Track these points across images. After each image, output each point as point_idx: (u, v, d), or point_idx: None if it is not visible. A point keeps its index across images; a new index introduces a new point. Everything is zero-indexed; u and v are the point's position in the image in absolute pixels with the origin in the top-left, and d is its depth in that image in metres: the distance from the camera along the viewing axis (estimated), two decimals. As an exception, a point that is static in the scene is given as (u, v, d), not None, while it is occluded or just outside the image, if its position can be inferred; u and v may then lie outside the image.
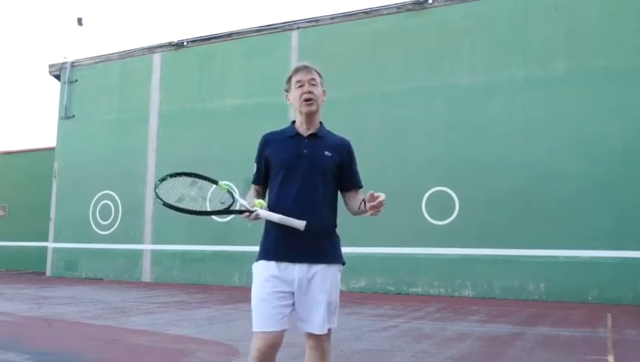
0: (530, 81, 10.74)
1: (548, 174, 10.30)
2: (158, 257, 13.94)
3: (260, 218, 2.50)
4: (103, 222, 14.76)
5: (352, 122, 12.05)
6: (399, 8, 12.08)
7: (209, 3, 41.58)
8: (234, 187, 2.67)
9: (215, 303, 9.35)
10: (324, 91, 2.75)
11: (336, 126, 12.40)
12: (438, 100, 11.44)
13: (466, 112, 11.16)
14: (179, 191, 2.56)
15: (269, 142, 2.73)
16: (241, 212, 2.51)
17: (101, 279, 14.42)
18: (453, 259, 10.81)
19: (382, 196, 2.43)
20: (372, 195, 2.44)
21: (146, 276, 14.00)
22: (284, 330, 2.53)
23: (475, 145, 10.95)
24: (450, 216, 10.97)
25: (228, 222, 12.50)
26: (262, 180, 2.72)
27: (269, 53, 13.06)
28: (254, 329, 2.55)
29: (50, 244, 15.61)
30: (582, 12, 10.58)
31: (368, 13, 12.43)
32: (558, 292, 9.97)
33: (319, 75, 2.73)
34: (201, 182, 2.61)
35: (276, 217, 2.50)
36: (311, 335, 2.58)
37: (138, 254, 14.19)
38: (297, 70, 2.72)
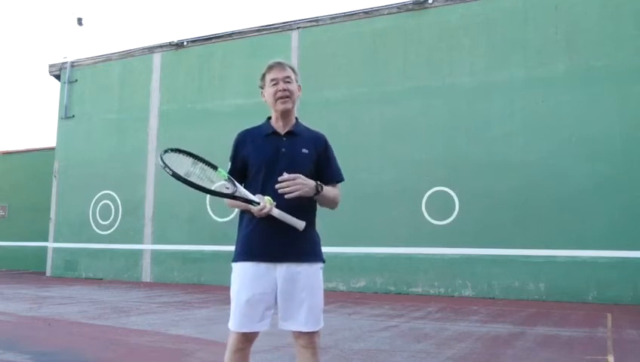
0: (530, 81, 10.74)
1: (548, 174, 10.30)
2: (158, 257, 13.94)
3: (272, 215, 2.49)
4: (103, 222, 14.76)
5: (352, 122, 12.07)
6: (399, 8, 12.09)
7: (209, 3, 41.60)
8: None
9: (215, 303, 9.34)
10: (299, 87, 2.75)
11: (336, 126, 12.44)
12: (438, 100, 11.45)
13: (466, 112, 11.16)
14: (184, 167, 2.52)
15: (246, 140, 2.72)
16: (247, 201, 2.50)
17: (101, 279, 14.42)
18: (453, 259, 10.82)
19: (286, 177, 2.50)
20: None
21: (146, 276, 14.00)
22: (260, 331, 2.62)
23: (475, 145, 10.96)
24: (450, 216, 10.97)
25: (228, 221, 12.50)
26: (238, 179, 2.67)
27: (269, 53, 13.01)
28: (232, 329, 2.60)
29: (50, 244, 15.61)
30: (582, 12, 10.59)
31: (368, 13, 12.43)
32: (558, 292, 9.97)
33: (294, 72, 2.74)
34: (201, 164, 2.59)
35: (287, 217, 2.52)
36: (300, 334, 2.58)
37: (138, 254, 14.19)
38: (271, 67, 2.72)
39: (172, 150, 2.54)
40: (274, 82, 2.68)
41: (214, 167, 2.59)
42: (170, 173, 2.42)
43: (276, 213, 2.50)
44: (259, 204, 2.49)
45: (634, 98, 9.98)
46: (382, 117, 11.84)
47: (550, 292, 10.04)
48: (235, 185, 2.53)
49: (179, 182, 2.47)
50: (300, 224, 2.53)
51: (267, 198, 2.51)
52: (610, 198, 9.82)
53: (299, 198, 2.55)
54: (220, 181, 2.58)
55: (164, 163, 2.42)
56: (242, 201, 2.53)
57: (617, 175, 9.85)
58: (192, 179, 2.51)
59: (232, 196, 2.52)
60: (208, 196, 2.64)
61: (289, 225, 2.53)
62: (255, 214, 2.51)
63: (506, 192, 10.56)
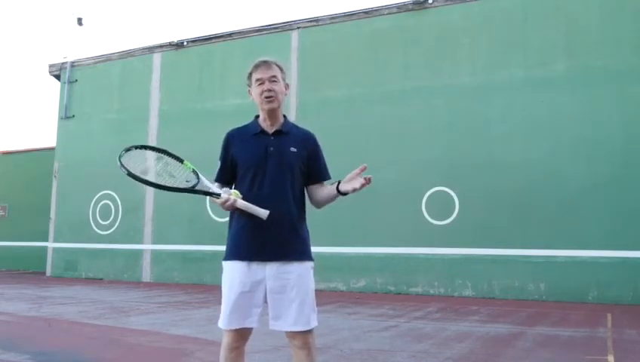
0: (530, 81, 10.74)
1: (548, 174, 10.30)
2: (158, 257, 13.94)
3: (237, 207, 2.52)
4: (103, 222, 14.76)
5: (352, 122, 12.07)
6: (399, 8, 12.09)
7: (209, 3, 41.60)
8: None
9: (215, 303, 9.34)
10: (286, 85, 2.76)
11: (336, 126, 12.41)
12: (438, 100, 11.44)
13: (466, 112, 11.16)
14: (144, 163, 2.56)
15: (234, 140, 2.74)
16: (207, 193, 2.56)
17: (101, 279, 14.42)
18: (453, 259, 10.81)
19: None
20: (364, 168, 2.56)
21: (146, 276, 14.00)
22: (252, 328, 2.62)
23: (475, 145, 10.95)
24: (450, 216, 10.97)
25: (228, 221, 12.48)
26: (227, 178, 2.71)
27: (269, 54, 12.78)
28: (221, 327, 2.62)
29: (50, 244, 15.61)
30: (582, 12, 10.59)
31: (368, 13, 12.43)
32: (558, 293, 9.97)
33: (280, 70, 2.74)
34: (167, 158, 2.62)
35: (252, 207, 2.52)
36: (295, 335, 2.58)
37: (138, 254, 14.19)
38: (257, 67, 2.72)
39: (136, 147, 2.57)
40: (259, 82, 2.68)
41: (180, 160, 2.63)
42: (126, 172, 2.44)
43: (240, 204, 2.52)
44: (219, 196, 2.52)
45: (634, 98, 9.98)
46: (382, 117, 11.84)
47: (550, 292, 10.04)
48: (198, 177, 2.57)
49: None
50: (264, 213, 2.51)
51: (233, 191, 2.54)
52: (610, 198, 9.82)
53: (289, 192, 2.61)
54: (186, 174, 2.60)
55: (120, 163, 2.46)
56: (202, 194, 2.57)
57: (617, 175, 9.84)
58: (150, 175, 2.53)
59: (192, 190, 2.56)
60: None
61: (278, 224, 2.55)
62: (221, 207, 2.57)
63: (506, 192, 10.55)
